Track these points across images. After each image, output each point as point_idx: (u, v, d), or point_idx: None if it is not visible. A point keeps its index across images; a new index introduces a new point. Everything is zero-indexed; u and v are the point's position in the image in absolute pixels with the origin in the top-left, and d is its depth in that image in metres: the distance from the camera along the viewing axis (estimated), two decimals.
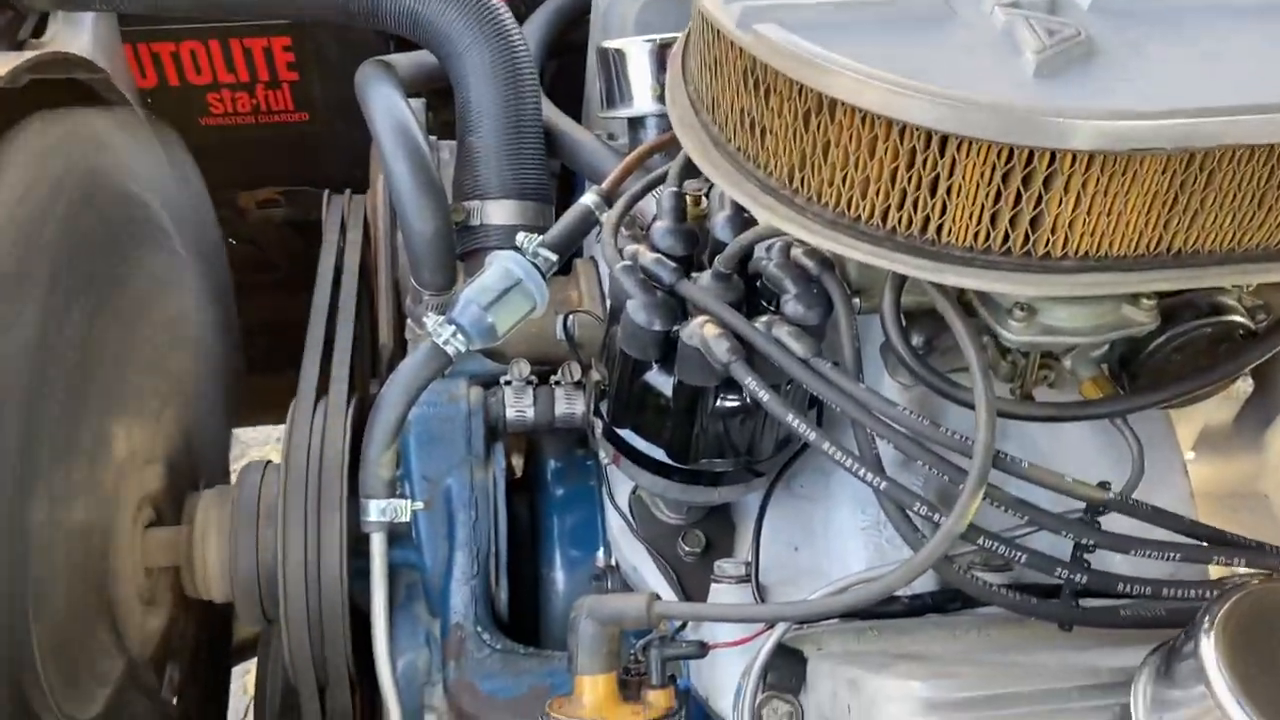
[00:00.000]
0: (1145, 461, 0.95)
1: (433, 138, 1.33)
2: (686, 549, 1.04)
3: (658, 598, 0.85)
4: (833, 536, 0.99)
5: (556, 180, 1.32)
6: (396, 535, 1.08)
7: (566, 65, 1.57)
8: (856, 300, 0.90)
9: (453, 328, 0.93)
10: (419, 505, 0.97)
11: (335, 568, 1.06)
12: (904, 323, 0.85)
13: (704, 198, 1.01)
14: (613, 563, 1.11)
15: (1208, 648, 0.62)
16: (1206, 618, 0.64)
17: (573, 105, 1.47)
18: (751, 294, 0.93)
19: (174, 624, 1.25)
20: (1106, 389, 0.86)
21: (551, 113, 1.27)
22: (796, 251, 0.90)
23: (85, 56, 1.20)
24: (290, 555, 1.06)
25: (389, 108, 1.14)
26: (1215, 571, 0.92)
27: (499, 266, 0.96)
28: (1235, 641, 0.63)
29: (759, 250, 0.93)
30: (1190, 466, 1.08)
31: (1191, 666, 0.63)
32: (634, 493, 1.08)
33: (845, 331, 0.86)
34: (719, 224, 0.95)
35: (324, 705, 1.15)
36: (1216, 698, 0.61)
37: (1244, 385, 1.03)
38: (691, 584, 1.03)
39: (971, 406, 0.77)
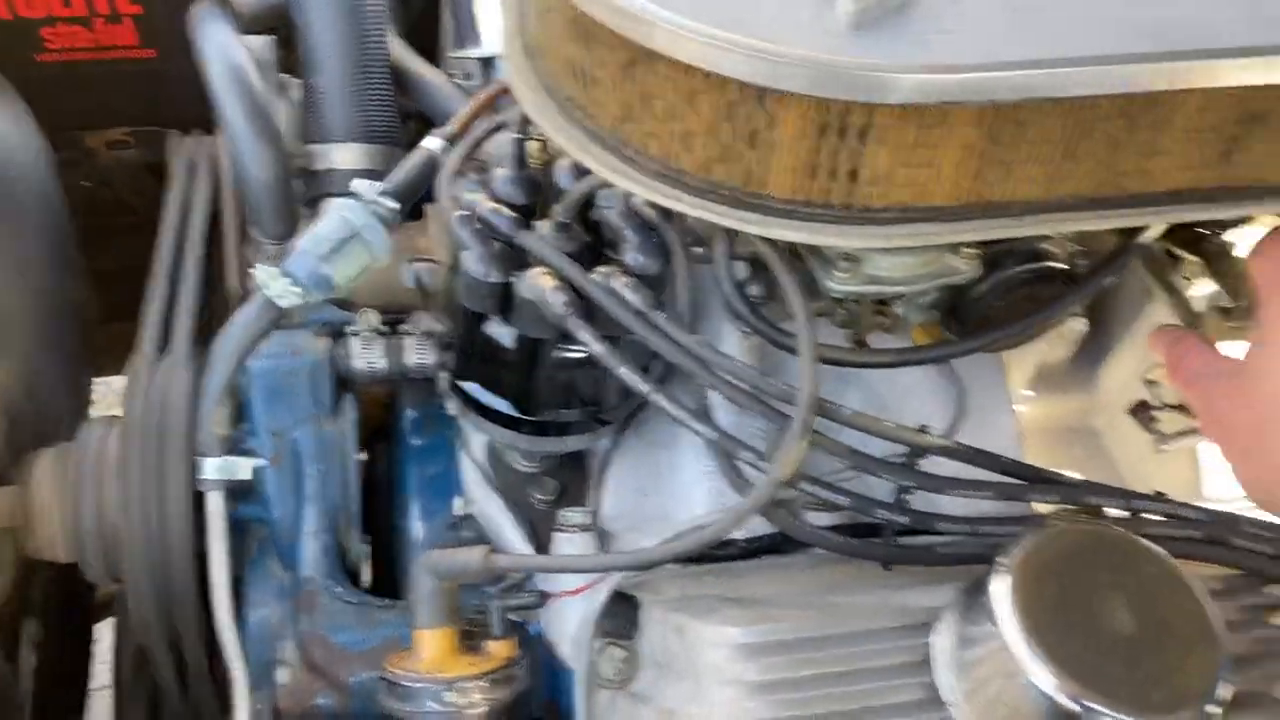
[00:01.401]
0: (976, 403, 0.98)
1: (285, 76, 1.28)
2: (539, 497, 1.05)
3: (495, 550, 0.85)
4: (678, 482, 1.00)
5: (414, 123, 1.28)
6: (245, 490, 1.07)
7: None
8: (700, 250, 0.91)
9: (286, 279, 0.91)
10: (260, 461, 0.95)
11: (180, 523, 1.04)
12: (735, 273, 0.85)
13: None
14: (470, 512, 1.11)
15: (999, 586, 0.65)
16: (1003, 557, 0.67)
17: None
18: (598, 243, 0.92)
19: (26, 581, 1.22)
20: (935, 335, 0.88)
21: (400, 51, 1.22)
22: (637, 200, 0.89)
23: None
24: (133, 513, 1.04)
25: (221, 51, 1.08)
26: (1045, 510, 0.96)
27: (335, 216, 0.94)
28: (1027, 579, 0.66)
29: (602, 199, 0.92)
30: (1028, 404, 1.12)
31: (987, 604, 0.66)
32: (489, 441, 1.08)
33: (680, 282, 0.86)
34: (562, 172, 0.94)
35: (179, 661, 1.14)
36: (1004, 636, 0.64)
37: (1077, 325, 1.06)
38: (545, 531, 1.03)
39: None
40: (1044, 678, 0.63)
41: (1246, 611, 0.81)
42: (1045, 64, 0.68)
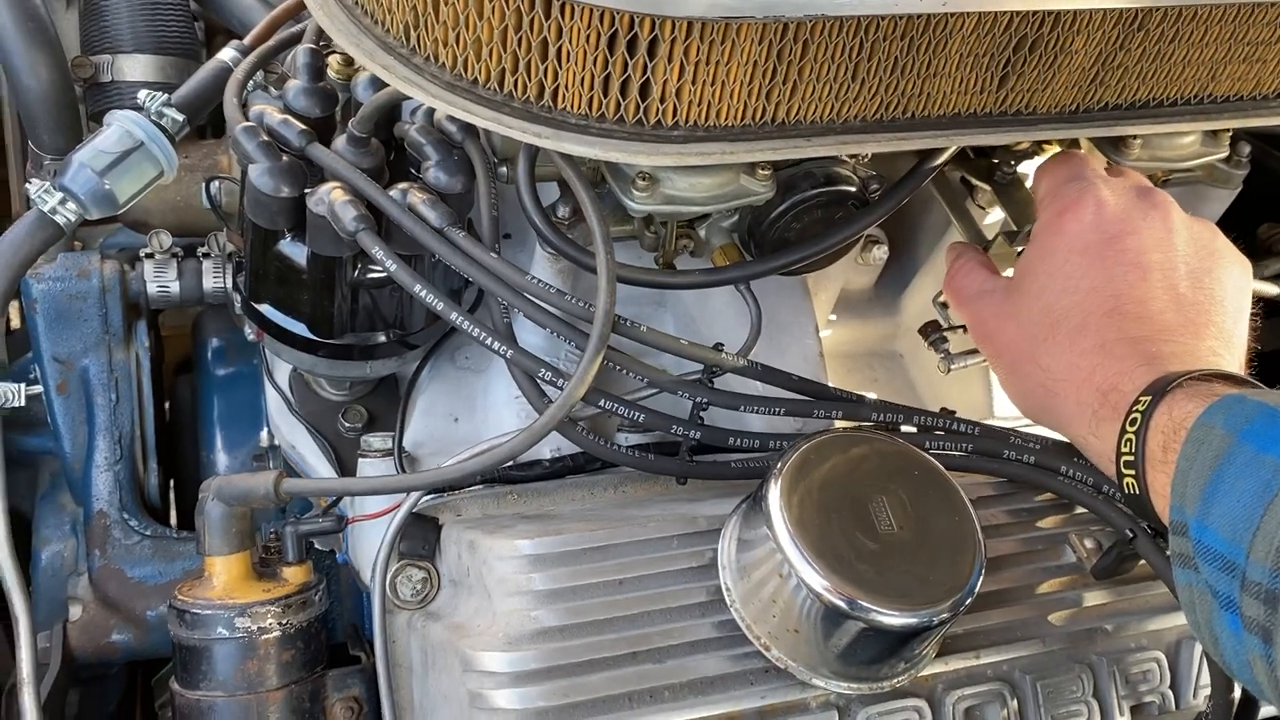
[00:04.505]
0: (781, 325, 1.01)
1: None
2: (347, 425, 1.03)
3: (287, 475, 0.83)
4: (490, 407, 1.00)
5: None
6: (34, 421, 1.01)
7: None
8: (504, 169, 0.89)
9: (61, 195, 0.85)
10: (35, 389, 0.90)
11: None
12: (537, 191, 0.85)
13: None
14: (276, 443, 1.08)
15: (773, 492, 0.67)
16: (778, 464, 0.69)
17: None
18: (402, 160, 0.90)
19: None
20: (733, 256, 0.90)
21: None
22: (440, 116, 0.87)
23: None
24: None
25: None
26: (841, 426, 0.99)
27: (117, 128, 0.88)
28: (797, 484, 0.68)
29: (405, 115, 0.90)
30: (833, 328, 1.16)
31: (761, 510, 0.68)
32: (295, 369, 1.05)
33: (484, 200, 0.85)
34: (361, 85, 0.91)
35: None
36: (776, 537, 0.66)
37: (879, 252, 1.09)
38: (353, 460, 1.01)
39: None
40: (811, 576, 0.65)
41: (1015, 516, 0.86)
42: None
